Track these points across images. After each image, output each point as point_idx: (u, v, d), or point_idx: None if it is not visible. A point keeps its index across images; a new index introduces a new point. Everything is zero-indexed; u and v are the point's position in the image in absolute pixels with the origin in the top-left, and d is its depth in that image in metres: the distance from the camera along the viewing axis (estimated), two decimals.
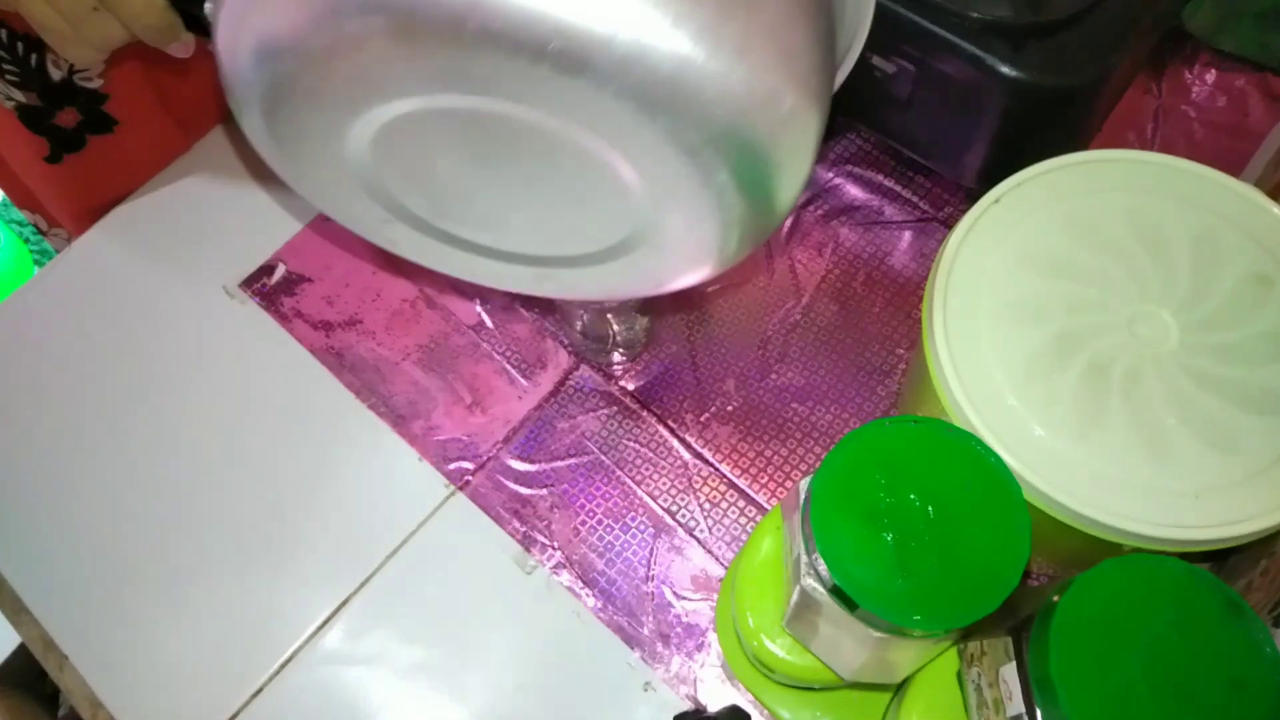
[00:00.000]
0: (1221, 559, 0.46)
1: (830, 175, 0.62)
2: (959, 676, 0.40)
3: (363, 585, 0.53)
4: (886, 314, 0.58)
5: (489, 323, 0.59)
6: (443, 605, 0.52)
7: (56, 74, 0.58)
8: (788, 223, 0.61)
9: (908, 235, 0.60)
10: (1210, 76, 0.63)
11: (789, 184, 0.35)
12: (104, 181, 0.64)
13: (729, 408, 0.56)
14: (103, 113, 0.61)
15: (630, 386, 0.57)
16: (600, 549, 0.53)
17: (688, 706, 0.49)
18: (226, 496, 0.56)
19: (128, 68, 0.60)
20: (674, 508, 0.54)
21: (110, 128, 0.62)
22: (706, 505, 0.54)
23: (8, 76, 0.56)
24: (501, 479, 0.55)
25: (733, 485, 0.54)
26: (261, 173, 0.65)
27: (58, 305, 0.62)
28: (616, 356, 0.58)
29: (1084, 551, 0.39)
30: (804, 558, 0.36)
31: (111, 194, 0.65)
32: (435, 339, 0.59)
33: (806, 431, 0.55)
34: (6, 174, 0.65)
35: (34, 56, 0.56)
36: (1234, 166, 0.59)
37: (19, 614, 0.54)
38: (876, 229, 0.60)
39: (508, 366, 0.58)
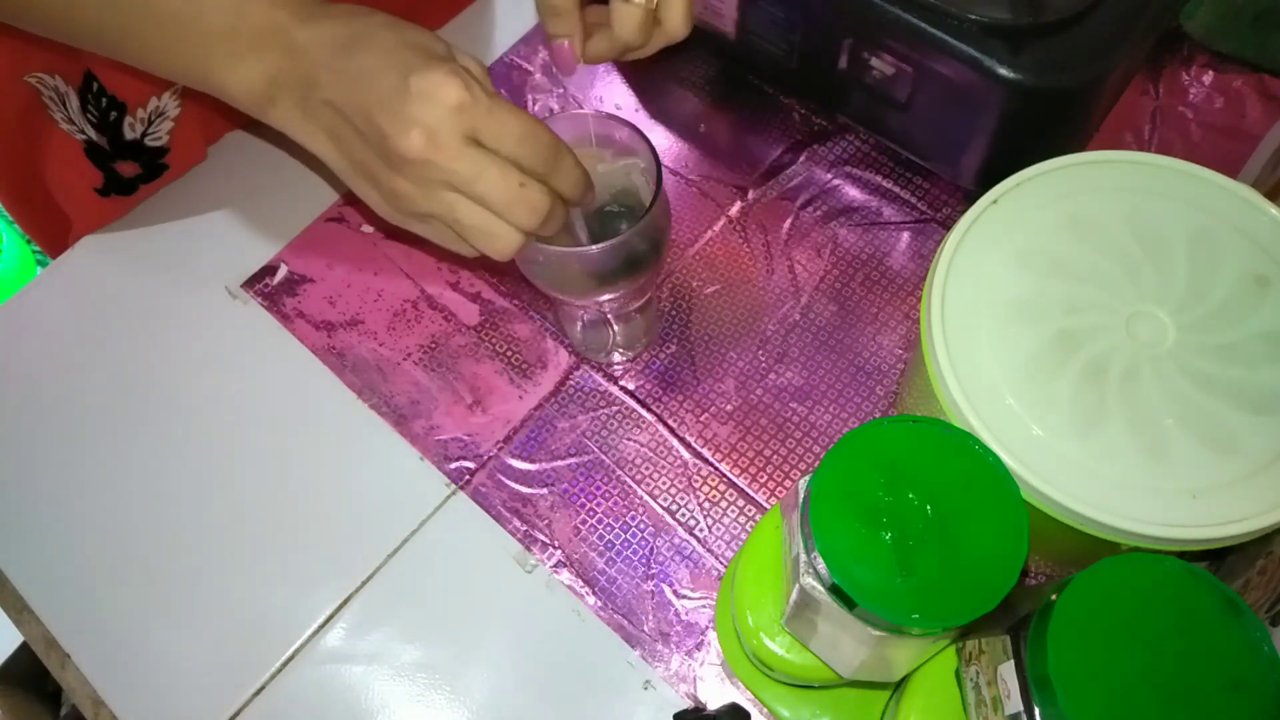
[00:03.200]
0: (1219, 558, 0.47)
1: (829, 176, 0.62)
2: (957, 675, 0.40)
3: (364, 584, 0.53)
4: (885, 314, 0.58)
5: (490, 323, 0.60)
6: (443, 604, 0.53)
7: (130, 135, 0.59)
8: (787, 223, 0.61)
9: (906, 236, 0.60)
10: (1207, 78, 0.63)
11: None
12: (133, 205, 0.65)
13: (728, 407, 0.56)
14: (160, 165, 0.62)
15: (630, 386, 0.57)
16: (600, 548, 0.53)
17: (687, 705, 0.49)
18: (228, 496, 0.56)
19: (189, 127, 0.61)
20: (674, 507, 0.54)
21: (160, 174, 0.63)
22: (706, 504, 0.54)
23: (89, 116, 0.58)
24: (502, 478, 0.55)
25: (732, 484, 0.54)
26: (264, 174, 0.65)
27: (61, 305, 0.62)
28: (616, 356, 0.58)
29: (1082, 550, 0.39)
30: (803, 556, 0.37)
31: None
32: (436, 339, 0.59)
33: (805, 431, 0.55)
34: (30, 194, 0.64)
35: (113, 114, 0.58)
36: (1231, 167, 0.59)
37: (21, 613, 0.54)
38: (875, 230, 0.60)
39: (508, 366, 0.58)
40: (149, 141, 0.60)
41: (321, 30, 0.42)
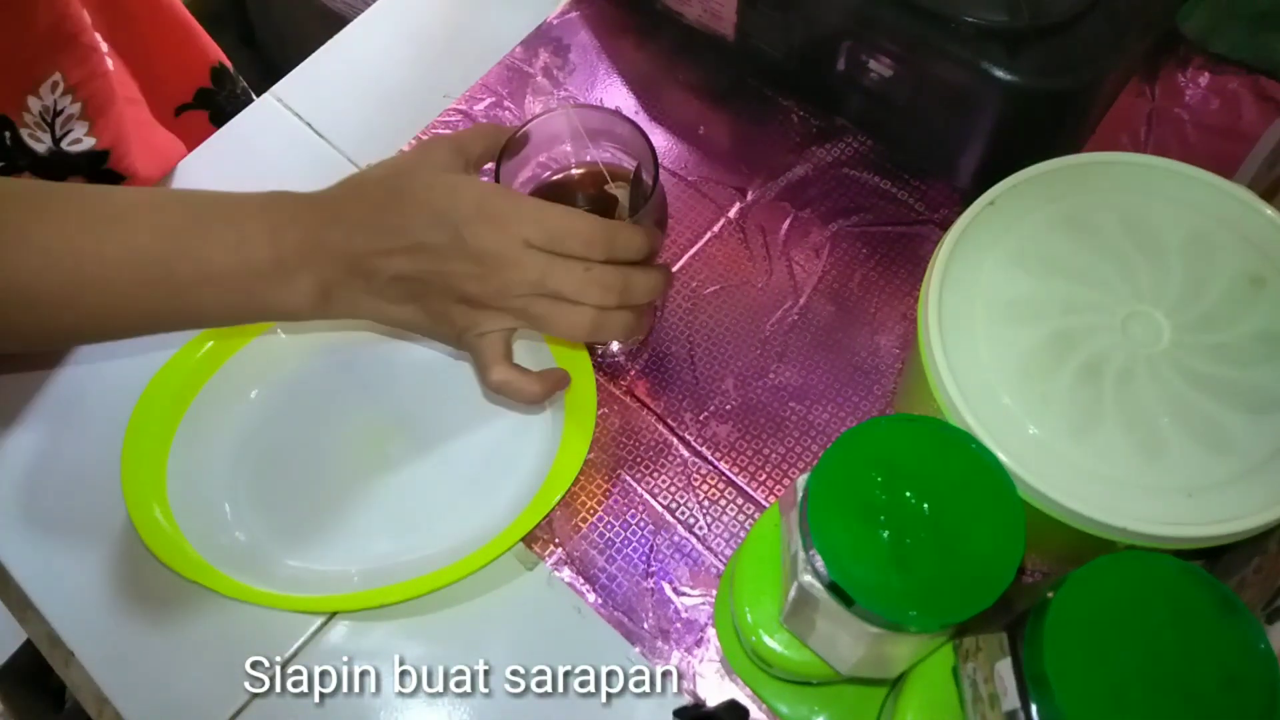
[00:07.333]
0: (1214, 556, 0.47)
1: (827, 178, 0.62)
2: (954, 672, 0.40)
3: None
4: (883, 314, 0.58)
5: None
6: (444, 603, 0.53)
7: (40, 146, 0.56)
8: (786, 224, 0.61)
9: (903, 237, 0.60)
10: (1203, 79, 0.64)
11: None
12: None
13: (727, 406, 0.56)
14: (109, 171, 0.60)
15: (630, 386, 0.57)
16: (601, 546, 0.53)
17: (687, 701, 0.50)
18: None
19: (112, 116, 0.58)
20: (673, 505, 0.54)
21: (120, 183, 0.61)
22: (705, 503, 0.54)
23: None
24: None
25: (731, 483, 0.55)
26: (263, 173, 0.65)
27: None
28: (615, 346, 0.58)
29: (1078, 548, 0.39)
30: (801, 554, 0.37)
31: None
32: None
33: (804, 430, 0.56)
34: None
35: (7, 134, 0.55)
36: (1227, 168, 0.59)
37: (25, 611, 0.54)
38: (873, 231, 0.61)
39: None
40: (69, 146, 0.57)
41: (346, 222, 0.43)
